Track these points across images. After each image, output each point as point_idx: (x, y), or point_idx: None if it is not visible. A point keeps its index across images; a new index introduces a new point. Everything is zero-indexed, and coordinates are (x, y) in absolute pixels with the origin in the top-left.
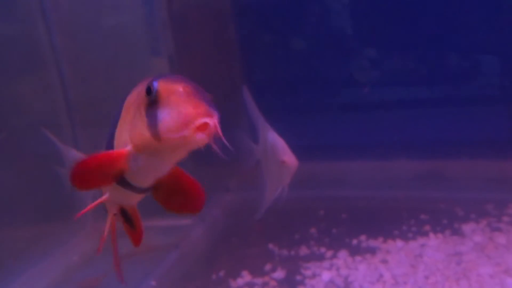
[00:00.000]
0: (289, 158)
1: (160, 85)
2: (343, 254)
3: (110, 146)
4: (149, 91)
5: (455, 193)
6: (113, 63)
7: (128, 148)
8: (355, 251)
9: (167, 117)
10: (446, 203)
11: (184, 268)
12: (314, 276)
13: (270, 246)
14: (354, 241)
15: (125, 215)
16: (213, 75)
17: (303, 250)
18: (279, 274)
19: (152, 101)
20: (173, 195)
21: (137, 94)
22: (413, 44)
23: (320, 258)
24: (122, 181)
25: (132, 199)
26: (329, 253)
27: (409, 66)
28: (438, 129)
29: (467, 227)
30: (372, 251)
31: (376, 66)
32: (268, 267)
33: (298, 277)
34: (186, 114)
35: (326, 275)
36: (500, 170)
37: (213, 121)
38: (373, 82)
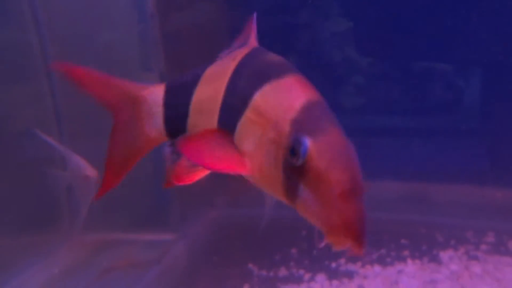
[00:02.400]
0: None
1: (312, 153)
2: (321, 277)
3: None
4: (293, 151)
5: (437, 218)
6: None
7: (246, 170)
8: (333, 275)
9: (315, 210)
10: (427, 228)
11: (164, 284)
12: None
13: (250, 265)
14: (333, 264)
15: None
16: None
17: (282, 271)
18: None
19: (295, 166)
20: None
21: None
22: (399, 77)
23: (298, 280)
24: None
25: None
26: (307, 276)
27: (395, 96)
28: (424, 155)
29: (445, 255)
30: (350, 275)
31: (362, 93)
32: (246, 287)
33: None
34: (338, 225)
35: None
36: (480, 197)
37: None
38: (359, 108)
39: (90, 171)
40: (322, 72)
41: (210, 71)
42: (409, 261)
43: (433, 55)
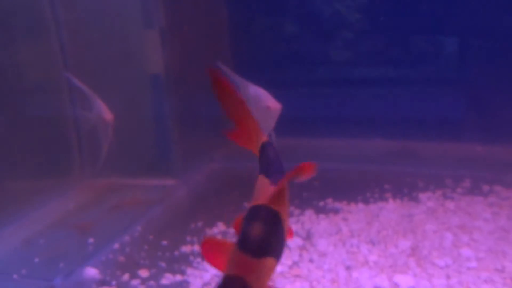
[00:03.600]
0: (273, 103)
1: None
2: (309, 212)
3: None
4: None
5: (420, 168)
6: (108, 33)
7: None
8: (320, 211)
9: None
10: (410, 176)
11: (166, 218)
12: None
13: (245, 204)
14: (321, 203)
15: None
16: (203, 49)
17: None
18: None
19: None
20: None
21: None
22: (384, 32)
23: (289, 215)
24: None
25: None
26: (297, 211)
27: (380, 48)
28: (409, 106)
29: (423, 195)
30: (336, 211)
31: (350, 47)
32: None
33: None
34: None
35: (292, 228)
36: (462, 150)
37: None
38: (354, 62)
39: (108, 115)
40: (313, 28)
41: None
42: (391, 200)
43: (415, 12)
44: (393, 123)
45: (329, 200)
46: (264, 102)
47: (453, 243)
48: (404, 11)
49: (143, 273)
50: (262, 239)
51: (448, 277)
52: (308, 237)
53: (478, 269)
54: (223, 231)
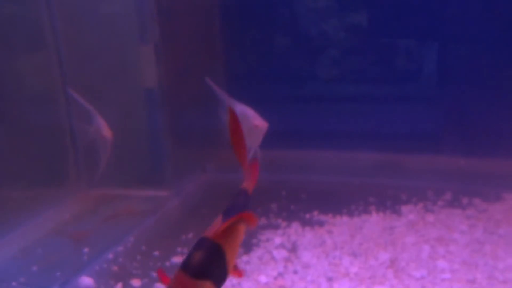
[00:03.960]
0: (260, 122)
1: None
2: (295, 225)
3: None
4: None
5: (404, 181)
6: (105, 46)
7: None
8: (306, 223)
9: None
10: (394, 189)
11: (158, 229)
12: (268, 240)
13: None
14: (307, 215)
15: None
16: (195, 64)
17: (262, 221)
18: None
19: None
20: None
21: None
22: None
23: (276, 227)
24: None
25: None
26: (284, 224)
27: (364, 66)
28: (394, 122)
29: (406, 208)
30: (321, 223)
31: (337, 64)
32: None
33: (254, 240)
34: None
35: (278, 240)
36: (445, 164)
37: None
38: (341, 79)
39: (108, 133)
40: (301, 46)
41: None
42: (374, 213)
43: (397, 32)
44: (378, 137)
45: (315, 213)
46: (251, 121)
47: (430, 255)
48: (388, 31)
49: (136, 282)
50: (201, 263)
51: (423, 287)
52: (293, 249)
53: (451, 280)
54: None
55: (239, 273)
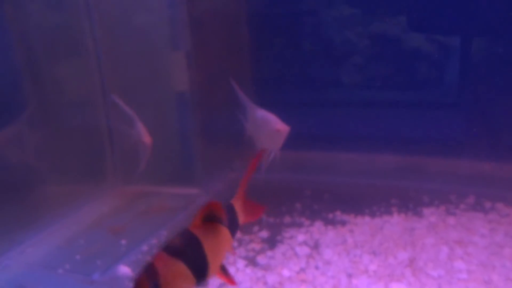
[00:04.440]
0: (281, 126)
1: None
2: (318, 223)
3: None
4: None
5: (427, 184)
6: (140, 53)
7: None
8: (329, 222)
9: None
10: (416, 192)
11: (189, 224)
12: (291, 237)
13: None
14: (330, 215)
15: None
16: (224, 70)
17: (287, 219)
18: (264, 234)
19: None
20: None
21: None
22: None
23: (299, 225)
24: None
25: None
26: (307, 222)
27: (390, 72)
28: (417, 127)
29: (427, 211)
30: (343, 223)
31: (362, 71)
32: (256, 228)
33: (279, 237)
34: None
35: (301, 237)
36: (470, 168)
37: None
38: (365, 84)
39: (148, 139)
40: (325, 52)
41: None
42: (395, 215)
43: (419, 39)
44: (402, 141)
45: (338, 213)
46: (273, 125)
47: (448, 256)
48: (411, 37)
49: None
50: (176, 245)
51: (439, 286)
52: (315, 246)
53: (467, 280)
54: (239, 238)
55: (231, 280)
